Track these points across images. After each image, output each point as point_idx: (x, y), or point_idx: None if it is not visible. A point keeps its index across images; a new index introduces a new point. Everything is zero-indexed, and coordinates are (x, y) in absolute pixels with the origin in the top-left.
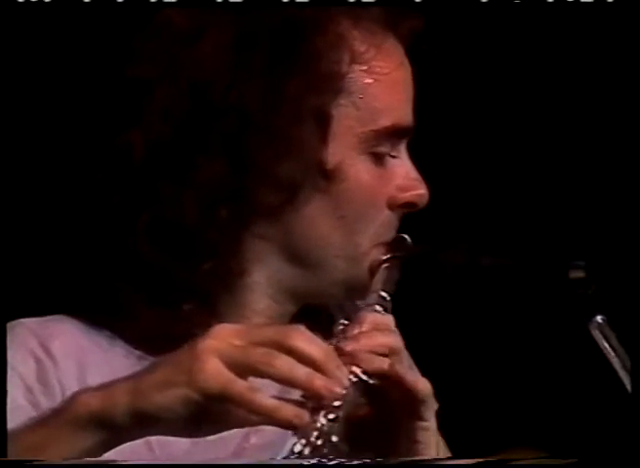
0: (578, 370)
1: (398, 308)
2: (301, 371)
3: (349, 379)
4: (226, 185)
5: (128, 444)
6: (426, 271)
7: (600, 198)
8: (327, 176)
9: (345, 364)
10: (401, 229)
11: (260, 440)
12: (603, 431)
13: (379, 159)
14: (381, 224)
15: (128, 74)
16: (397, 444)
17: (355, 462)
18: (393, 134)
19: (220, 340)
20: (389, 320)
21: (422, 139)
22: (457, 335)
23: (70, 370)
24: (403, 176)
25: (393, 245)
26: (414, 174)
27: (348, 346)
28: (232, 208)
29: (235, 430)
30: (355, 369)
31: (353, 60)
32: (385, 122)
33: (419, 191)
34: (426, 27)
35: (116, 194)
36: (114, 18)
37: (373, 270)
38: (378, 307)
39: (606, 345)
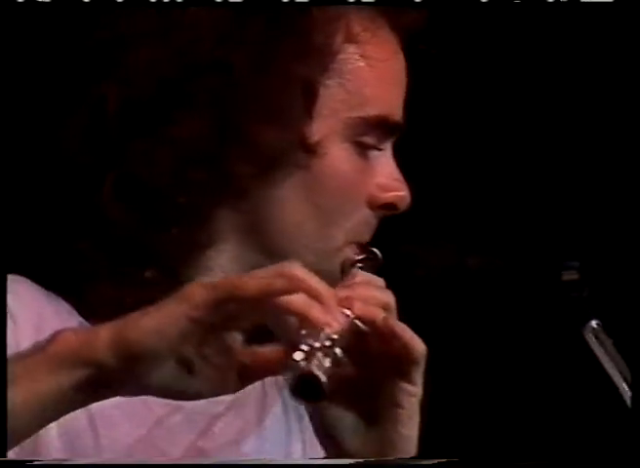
0: (571, 378)
1: None
2: (300, 298)
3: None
4: (204, 146)
5: (70, 425)
6: (410, 273)
7: (595, 195)
8: (308, 152)
9: (341, 307)
10: (383, 227)
11: (226, 428)
12: (598, 439)
13: (362, 150)
14: (359, 222)
15: (111, 25)
16: (379, 406)
17: (352, 462)
18: (380, 125)
19: (208, 282)
20: (381, 280)
21: (410, 135)
22: (443, 340)
23: (28, 333)
24: (386, 176)
25: (363, 252)
26: (397, 174)
27: (342, 292)
28: (207, 171)
29: (194, 420)
30: (349, 312)
31: (347, 39)
32: (373, 111)
33: (400, 193)
34: (425, 28)
35: (86, 147)
36: None
37: (344, 269)
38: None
39: (601, 351)
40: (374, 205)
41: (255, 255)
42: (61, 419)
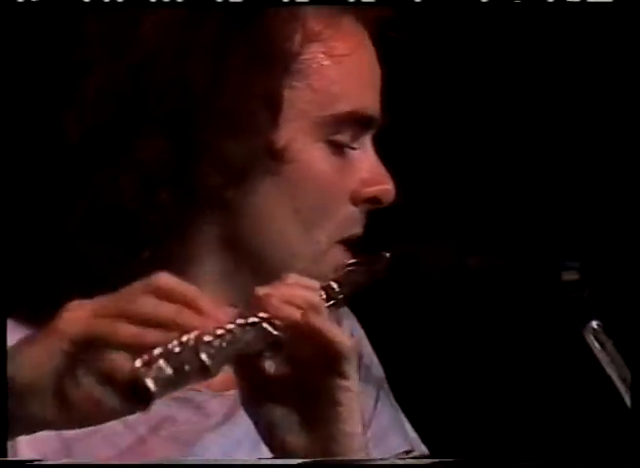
0: (571, 379)
1: (380, 313)
2: (169, 308)
3: (249, 322)
4: (166, 166)
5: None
6: (409, 273)
7: (595, 195)
8: (277, 158)
9: (253, 308)
10: (380, 227)
11: (211, 446)
12: (598, 440)
13: (337, 149)
14: (343, 220)
15: (64, 54)
16: (318, 406)
17: (349, 460)
18: (354, 121)
19: (84, 304)
20: (316, 283)
21: (407, 133)
22: (442, 341)
23: None
24: (367, 170)
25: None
26: (379, 168)
27: (261, 291)
28: (174, 190)
29: (182, 433)
30: (262, 314)
31: (308, 39)
32: (344, 107)
33: (384, 186)
34: (397, 15)
35: (55, 175)
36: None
37: (337, 272)
38: (321, 292)
39: (601, 352)
40: (357, 200)
41: (241, 266)
42: (34, 450)
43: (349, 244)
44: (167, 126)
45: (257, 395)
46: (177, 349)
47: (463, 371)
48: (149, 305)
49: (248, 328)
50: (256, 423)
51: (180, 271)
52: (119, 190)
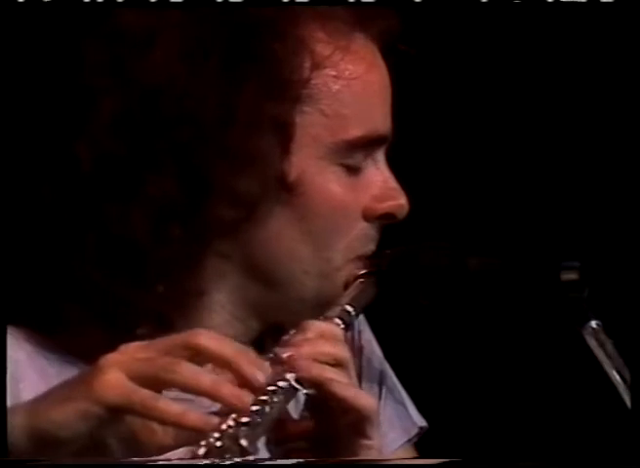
0: (571, 378)
1: (379, 314)
2: (207, 378)
3: (279, 386)
4: (178, 201)
5: None
6: (409, 274)
7: (594, 196)
8: (289, 190)
9: (281, 371)
10: (381, 230)
11: None
12: (597, 440)
13: (351, 169)
14: (357, 238)
15: (76, 83)
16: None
17: (350, 461)
18: (366, 144)
19: (124, 354)
20: (337, 330)
21: (406, 137)
22: (442, 342)
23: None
24: (380, 186)
25: (375, 260)
26: (392, 183)
27: (286, 353)
28: (186, 225)
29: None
30: (289, 375)
31: (317, 65)
32: (357, 131)
33: (398, 201)
34: (405, 27)
35: (63, 211)
36: (65, 23)
37: (348, 285)
38: (337, 320)
39: (601, 352)
40: (371, 217)
41: (255, 290)
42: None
43: (363, 259)
44: (178, 161)
45: (280, 452)
46: (218, 444)
47: (463, 371)
48: (188, 375)
49: (279, 392)
50: None
51: (193, 304)
52: (130, 224)
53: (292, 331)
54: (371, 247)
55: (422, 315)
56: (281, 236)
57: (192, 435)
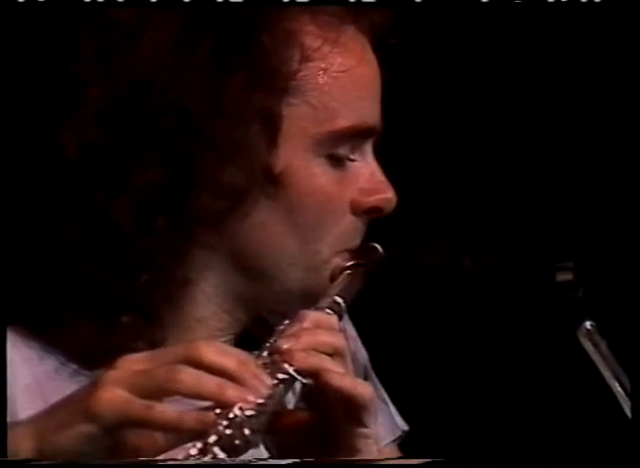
0: (565, 379)
1: (375, 314)
2: (211, 382)
3: (279, 378)
4: (163, 191)
5: None
6: (403, 274)
7: (589, 196)
8: (275, 182)
9: (280, 362)
10: (374, 228)
11: None
12: (592, 440)
13: (338, 161)
14: (344, 231)
15: (63, 71)
16: (337, 452)
17: (342, 461)
18: (353, 135)
19: (122, 370)
20: (333, 319)
21: (403, 136)
22: (436, 342)
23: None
24: (367, 179)
25: (361, 253)
26: (379, 176)
27: (285, 344)
28: (171, 215)
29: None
30: (288, 367)
31: (306, 58)
32: (344, 122)
33: (384, 195)
34: (396, 20)
35: (49, 198)
36: (54, 14)
37: (334, 277)
38: (328, 311)
39: (595, 352)
40: (358, 210)
41: (239, 280)
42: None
43: (350, 252)
44: (164, 151)
45: (277, 441)
46: (227, 431)
47: (457, 371)
48: (190, 382)
49: (280, 386)
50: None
51: (179, 295)
52: (116, 214)
53: (285, 322)
54: (358, 240)
55: (417, 315)
56: (267, 228)
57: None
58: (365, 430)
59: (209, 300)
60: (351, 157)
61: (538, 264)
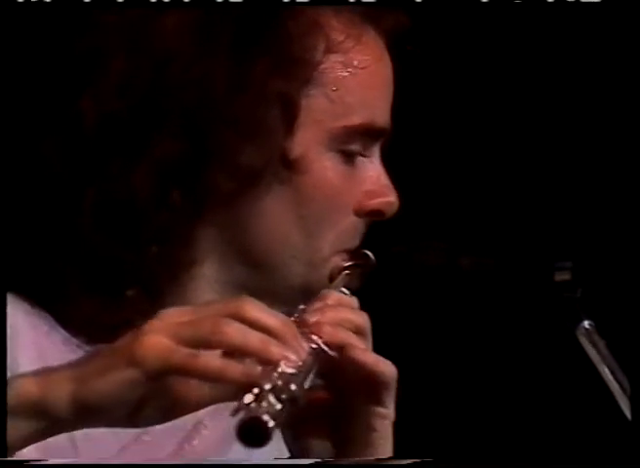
0: (564, 378)
1: (374, 314)
2: (255, 337)
3: (311, 347)
4: (182, 165)
5: (50, 441)
6: (402, 273)
7: (587, 196)
8: (289, 168)
9: (308, 333)
10: (374, 228)
11: (202, 443)
12: (590, 439)
13: (348, 158)
14: (345, 230)
15: (86, 42)
16: (353, 431)
17: (340, 462)
18: (366, 132)
19: (166, 320)
20: (355, 300)
21: (402, 137)
22: (434, 340)
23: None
24: (373, 182)
25: (357, 256)
26: (384, 180)
27: (313, 318)
28: (186, 190)
29: (176, 430)
30: (317, 338)
31: (329, 50)
32: (358, 119)
33: (388, 199)
34: (412, 27)
35: (63, 166)
36: None
37: (333, 277)
38: (344, 290)
39: (593, 352)
40: (361, 212)
41: (241, 269)
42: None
43: (348, 253)
44: (186, 125)
45: (294, 418)
46: (279, 382)
47: (456, 371)
48: (235, 334)
49: (309, 356)
50: (286, 434)
51: (182, 275)
52: (131, 185)
53: (300, 306)
54: (356, 241)
55: (416, 314)
56: (274, 216)
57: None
58: (383, 410)
59: (210, 286)
60: (360, 158)
61: (536, 264)
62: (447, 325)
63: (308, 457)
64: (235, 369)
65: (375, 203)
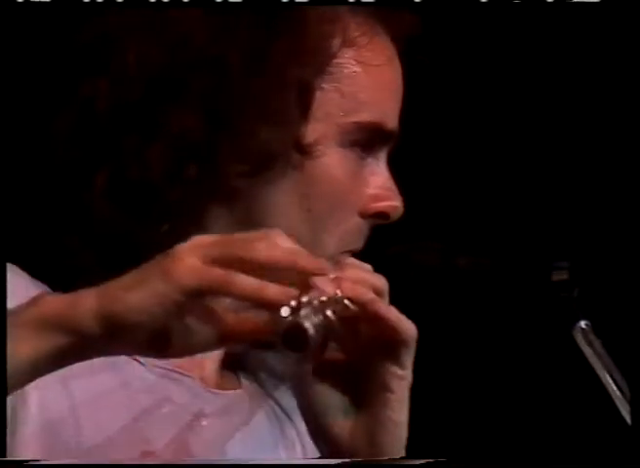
0: (560, 378)
1: None
2: (287, 257)
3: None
4: (196, 143)
5: (51, 410)
6: (399, 273)
7: (584, 196)
8: (303, 153)
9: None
10: (372, 228)
11: (212, 426)
12: (587, 439)
13: (357, 157)
14: (350, 231)
15: (102, 22)
16: (369, 390)
17: (341, 462)
18: (374, 131)
19: (198, 243)
20: (370, 266)
21: (401, 135)
22: (432, 341)
23: None
24: (379, 186)
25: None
26: (390, 184)
27: (332, 274)
28: (200, 168)
29: (176, 418)
30: (338, 292)
31: (344, 43)
32: (368, 116)
33: (392, 202)
34: (422, 37)
35: (76, 144)
36: None
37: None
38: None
39: (590, 352)
40: (365, 214)
41: None
42: (42, 405)
43: (351, 255)
44: (198, 105)
45: (308, 367)
46: (315, 302)
47: (453, 371)
48: (266, 250)
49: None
50: (301, 404)
51: None
52: (143, 161)
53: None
54: (360, 244)
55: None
56: (283, 207)
57: (260, 326)
58: (400, 371)
59: None
60: (369, 156)
61: (534, 264)
62: (444, 325)
63: (320, 416)
64: (272, 288)
65: (380, 205)
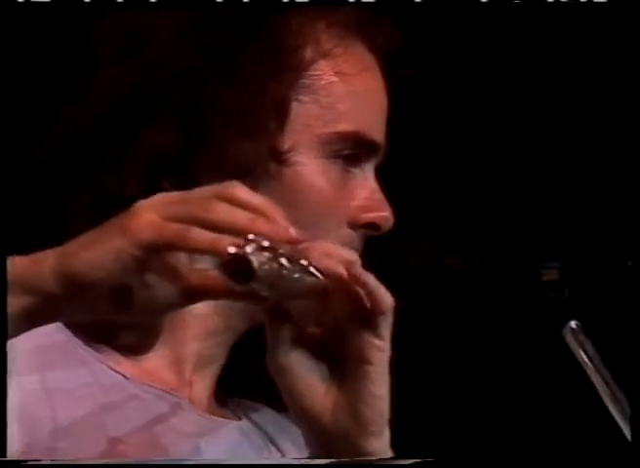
0: (550, 378)
1: None
2: (244, 215)
3: (302, 263)
4: (173, 156)
5: (27, 397)
6: (389, 274)
7: (574, 196)
8: (280, 162)
9: (297, 260)
10: None
11: (182, 421)
12: (576, 439)
13: (341, 170)
14: (341, 242)
15: (81, 47)
16: (347, 362)
17: (332, 461)
18: (355, 141)
19: (157, 200)
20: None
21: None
22: (422, 342)
23: None
24: (366, 197)
25: None
26: (378, 195)
27: (302, 245)
28: (176, 182)
29: (154, 405)
30: (304, 261)
31: (318, 55)
32: (348, 126)
33: (382, 213)
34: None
35: (58, 165)
36: None
37: None
38: None
39: (580, 352)
40: (355, 225)
41: None
42: (18, 390)
43: None
44: (176, 116)
45: (285, 347)
46: (265, 243)
47: (442, 370)
48: (224, 212)
49: (301, 268)
50: (282, 389)
51: None
52: (121, 175)
53: None
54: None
55: (403, 314)
56: None
57: (218, 284)
58: (378, 341)
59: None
60: (353, 168)
61: (523, 264)
62: (434, 325)
63: (299, 393)
64: (228, 240)
65: (369, 216)
